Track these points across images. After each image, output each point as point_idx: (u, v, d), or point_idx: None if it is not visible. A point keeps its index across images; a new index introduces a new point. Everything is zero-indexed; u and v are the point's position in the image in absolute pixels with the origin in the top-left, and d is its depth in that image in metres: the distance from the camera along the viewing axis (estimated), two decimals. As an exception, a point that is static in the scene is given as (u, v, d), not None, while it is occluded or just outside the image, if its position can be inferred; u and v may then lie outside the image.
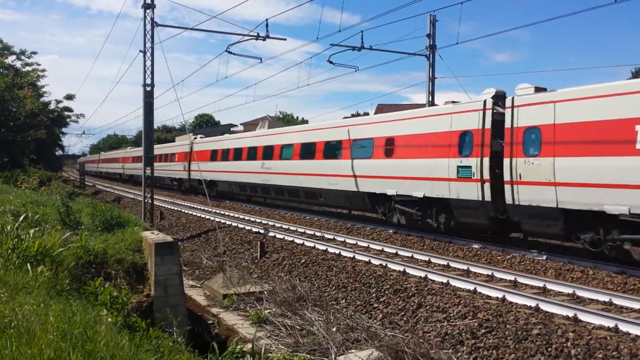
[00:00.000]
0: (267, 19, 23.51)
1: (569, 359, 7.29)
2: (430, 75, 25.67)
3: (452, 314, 9.50)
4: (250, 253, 17.10)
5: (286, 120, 76.02)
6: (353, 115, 54.37)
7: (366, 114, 55.97)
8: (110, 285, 9.98)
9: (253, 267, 15.73)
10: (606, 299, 9.77)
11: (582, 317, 8.66)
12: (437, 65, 25.71)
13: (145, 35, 22.67)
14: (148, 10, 22.48)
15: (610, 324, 8.22)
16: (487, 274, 12.10)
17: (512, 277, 11.60)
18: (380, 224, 19.55)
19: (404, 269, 12.57)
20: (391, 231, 18.13)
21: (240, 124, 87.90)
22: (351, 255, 14.46)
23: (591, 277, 11.45)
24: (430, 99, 25.74)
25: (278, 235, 18.33)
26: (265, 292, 12.30)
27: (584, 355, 7.25)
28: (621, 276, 11.21)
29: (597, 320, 8.46)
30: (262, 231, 19.36)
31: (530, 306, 9.44)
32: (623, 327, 8.06)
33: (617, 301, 9.63)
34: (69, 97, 48.77)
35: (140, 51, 22.88)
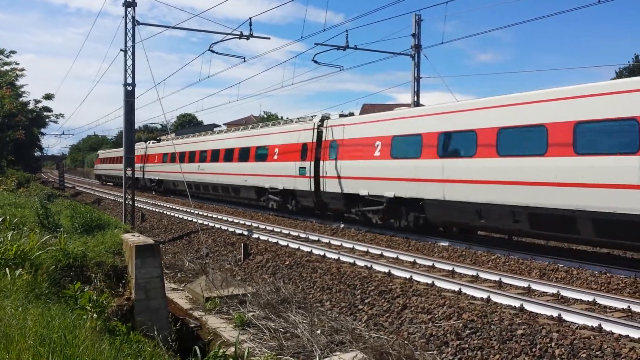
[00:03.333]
0: (250, 18, 23.41)
1: (553, 359, 7.27)
2: (416, 75, 25.67)
3: (437, 315, 9.46)
4: (233, 255, 16.93)
5: (270, 120, 75.75)
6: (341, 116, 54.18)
7: (351, 114, 55.86)
8: (90, 289, 9.79)
9: (236, 269, 15.57)
10: (590, 298, 9.81)
11: (566, 317, 8.67)
12: (422, 64, 25.73)
13: (126, 33, 22.40)
14: (129, 9, 22.22)
15: (594, 323, 8.24)
16: (472, 275, 12.09)
17: (496, 278, 11.61)
18: (356, 224, 19.51)
19: (389, 270, 12.51)
20: (377, 232, 18.10)
21: (224, 124, 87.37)
22: (336, 256, 14.38)
23: (575, 277, 11.50)
24: (415, 99, 25.74)
25: (262, 237, 18.19)
26: (249, 295, 12.14)
27: (568, 355, 7.24)
28: (605, 276, 11.29)
29: (581, 320, 8.48)
30: (245, 233, 19.19)
31: (514, 306, 9.43)
32: (607, 326, 8.08)
33: (601, 301, 9.67)
34: (48, 97, 47.96)
35: (121, 50, 22.61)
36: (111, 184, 59.26)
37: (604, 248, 14.86)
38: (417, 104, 25.55)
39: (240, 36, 23.47)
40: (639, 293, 10.25)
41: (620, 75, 48.08)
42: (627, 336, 7.76)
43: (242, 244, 16.72)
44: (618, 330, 7.96)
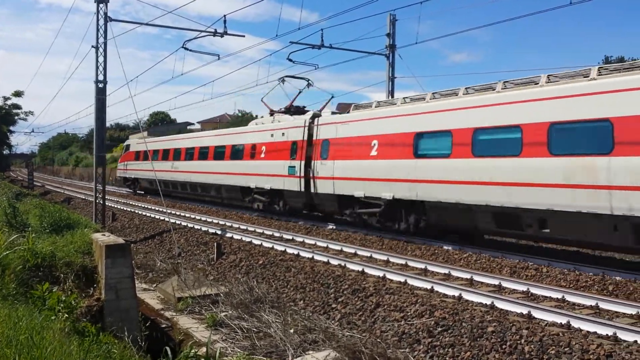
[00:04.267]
0: (225, 15, 23.23)
1: (523, 356, 7.38)
2: (390, 75, 25.81)
3: (409, 313, 9.52)
4: (206, 255, 16.78)
5: (244, 118, 75.26)
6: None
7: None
8: (59, 289, 9.61)
9: (209, 269, 15.43)
10: (559, 296, 9.97)
11: (536, 314, 8.80)
12: (396, 64, 25.87)
13: (97, 30, 22.00)
14: (101, 5, 21.83)
15: (563, 320, 8.38)
16: (444, 273, 12.20)
17: (468, 276, 11.73)
18: (350, 226, 19.53)
19: (363, 269, 12.55)
20: (351, 231, 18.15)
21: (198, 122, 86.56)
22: (310, 255, 14.37)
23: (545, 275, 11.68)
24: (389, 99, 25.85)
25: (235, 236, 18.07)
26: (222, 295, 12.05)
27: (537, 352, 7.35)
28: (574, 273, 11.49)
29: (550, 317, 8.61)
30: (219, 232, 19.05)
31: (485, 304, 9.54)
32: (575, 323, 8.22)
33: (570, 298, 9.83)
34: (17, 94, 47.04)
35: (93, 47, 22.19)
36: (147, 195, 38.44)
37: (572, 247, 15.14)
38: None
39: (215, 34, 23.30)
40: (606, 290, 10.46)
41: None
42: (595, 333, 7.90)
43: (215, 243, 16.58)
44: (586, 327, 8.11)
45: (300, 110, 23.79)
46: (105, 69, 22.17)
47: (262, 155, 23.55)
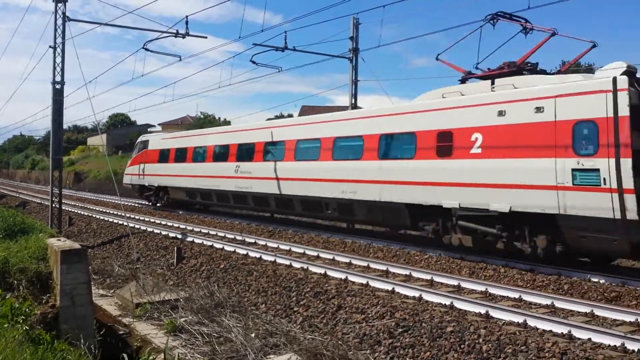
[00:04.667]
0: (187, 16, 22.86)
1: (481, 355, 7.50)
2: (353, 78, 25.94)
3: (370, 315, 9.57)
4: (166, 259, 16.51)
5: (207, 121, 74.52)
6: (276, 117, 54.12)
7: (290, 115, 56.01)
8: (12, 296, 9.34)
9: (169, 274, 15.19)
10: (516, 295, 10.18)
11: (494, 313, 8.97)
12: (360, 68, 26.04)
13: (55, 30, 21.40)
14: (59, 4, 21.24)
15: (519, 319, 8.56)
16: (406, 274, 12.32)
17: (428, 277, 11.87)
18: (302, 227, 19.50)
19: (325, 272, 12.56)
20: (314, 234, 18.13)
21: (158, 124, 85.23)
22: (272, 258, 14.30)
23: (503, 275, 11.92)
24: (353, 102, 26.04)
25: (197, 240, 17.84)
26: (182, 300, 11.87)
27: (495, 351, 7.48)
28: (530, 273, 11.76)
29: (507, 317, 8.79)
30: (179, 236, 18.77)
31: (445, 304, 9.67)
32: (531, 322, 8.41)
33: (527, 297, 10.05)
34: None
35: (50, 47, 21.59)
36: (179, 210, 27.26)
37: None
38: (354, 106, 25.87)
39: (176, 35, 22.93)
40: (562, 289, 10.74)
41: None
42: (551, 331, 8.10)
43: (175, 248, 16.33)
44: (542, 325, 8.30)
45: (537, 71, 13.91)
46: (63, 69, 21.60)
47: (476, 151, 13.22)
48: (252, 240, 17.47)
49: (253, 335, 9.29)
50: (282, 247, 16.21)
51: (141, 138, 32.09)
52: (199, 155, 25.06)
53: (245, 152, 21.85)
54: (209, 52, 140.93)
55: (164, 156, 28.02)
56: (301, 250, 15.50)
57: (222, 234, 18.94)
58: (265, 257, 14.55)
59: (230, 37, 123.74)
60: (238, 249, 15.79)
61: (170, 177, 27.05)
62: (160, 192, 28.75)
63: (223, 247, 16.33)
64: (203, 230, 20.04)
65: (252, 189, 20.91)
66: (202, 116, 76.82)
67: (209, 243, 17.12)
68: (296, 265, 13.47)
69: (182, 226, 21.47)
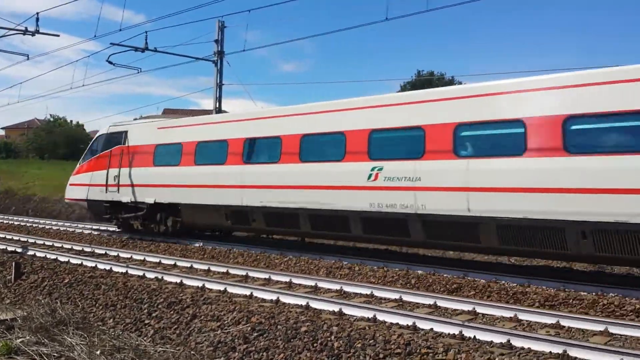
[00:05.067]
0: (37, 13, 21.04)
1: (332, 352, 7.60)
2: (218, 81, 25.52)
3: (226, 322, 9.31)
4: (3, 276, 14.86)
5: (58, 124, 69.19)
6: (135, 119, 51.60)
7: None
8: None
9: (5, 291, 13.68)
10: (368, 292, 10.53)
11: (347, 310, 9.17)
12: (225, 71, 25.75)
13: None
14: None
15: (369, 314, 8.83)
16: (265, 278, 12.24)
17: (287, 279, 11.89)
18: (157, 235, 18.64)
19: (181, 280, 12.07)
20: (172, 242, 17.42)
21: (2, 128, 78.57)
22: (123, 270, 13.46)
23: (357, 273, 12.30)
24: (217, 105, 25.64)
25: (39, 254, 16.29)
26: (19, 319, 10.71)
27: (345, 347, 7.63)
28: (382, 270, 12.26)
29: (358, 313, 9.02)
30: (19, 250, 17.03)
31: (301, 305, 9.72)
32: (380, 316, 8.72)
33: (378, 293, 10.44)
34: None
35: None
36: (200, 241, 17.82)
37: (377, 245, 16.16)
38: (219, 110, 25.50)
39: (25, 32, 20.99)
40: (409, 284, 11.32)
41: (404, 88, 54.32)
42: (397, 324, 8.44)
43: (13, 263, 14.76)
44: (390, 319, 8.63)
45: None
46: None
47: None
48: (102, 252, 16.36)
49: (98, 352, 8.59)
50: (135, 257, 15.35)
51: (110, 129, 20.52)
52: (263, 150, 15.62)
53: (312, 149, 14.48)
54: (62, 51, 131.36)
55: (169, 155, 17.93)
56: (157, 260, 14.80)
57: (68, 246, 17.51)
58: (115, 269, 13.65)
59: (86, 35, 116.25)
60: (85, 262, 14.66)
61: (187, 188, 17.14)
62: (161, 213, 18.56)
63: (69, 260, 15.08)
64: (47, 243, 18.38)
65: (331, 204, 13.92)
66: (51, 119, 71.40)
67: (53, 256, 15.72)
68: (150, 275, 12.81)
69: (22, 238, 19.52)
